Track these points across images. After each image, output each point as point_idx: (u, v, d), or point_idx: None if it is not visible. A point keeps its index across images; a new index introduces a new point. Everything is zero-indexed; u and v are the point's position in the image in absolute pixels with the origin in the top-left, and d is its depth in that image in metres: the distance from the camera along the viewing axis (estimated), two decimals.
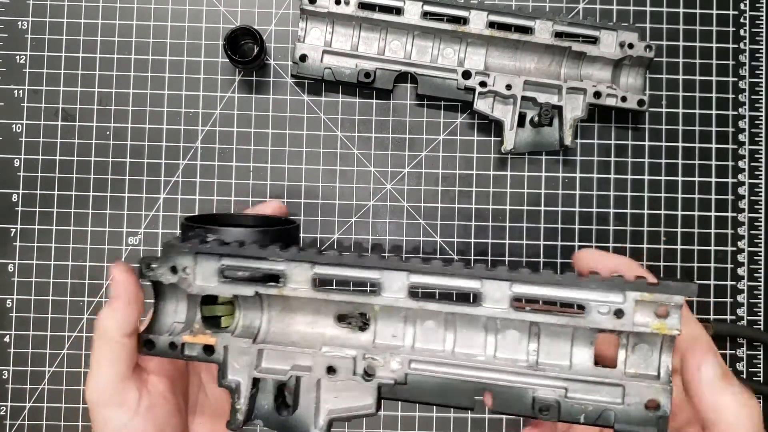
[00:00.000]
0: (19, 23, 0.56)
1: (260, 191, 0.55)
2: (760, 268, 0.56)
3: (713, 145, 0.56)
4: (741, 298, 0.55)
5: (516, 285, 0.35)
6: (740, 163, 0.56)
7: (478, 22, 0.53)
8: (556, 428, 0.38)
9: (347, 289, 0.38)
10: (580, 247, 0.55)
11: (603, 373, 0.35)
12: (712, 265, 0.56)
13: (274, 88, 0.56)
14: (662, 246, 0.55)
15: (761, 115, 0.56)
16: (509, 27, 0.53)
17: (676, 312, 0.34)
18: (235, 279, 0.37)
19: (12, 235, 0.55)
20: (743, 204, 0.56)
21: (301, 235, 0.55)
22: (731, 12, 0.57)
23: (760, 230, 0.56)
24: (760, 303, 0.55)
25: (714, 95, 0.56)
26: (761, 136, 0.56)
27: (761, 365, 0.55)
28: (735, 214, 0.56)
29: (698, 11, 0.57)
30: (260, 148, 0.56)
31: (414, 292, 0.36)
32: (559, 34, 0.53)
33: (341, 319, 0.38)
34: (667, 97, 0.56)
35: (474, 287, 0.35)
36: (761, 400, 0.55)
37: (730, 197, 0.56)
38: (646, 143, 0.56)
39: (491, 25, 0.53)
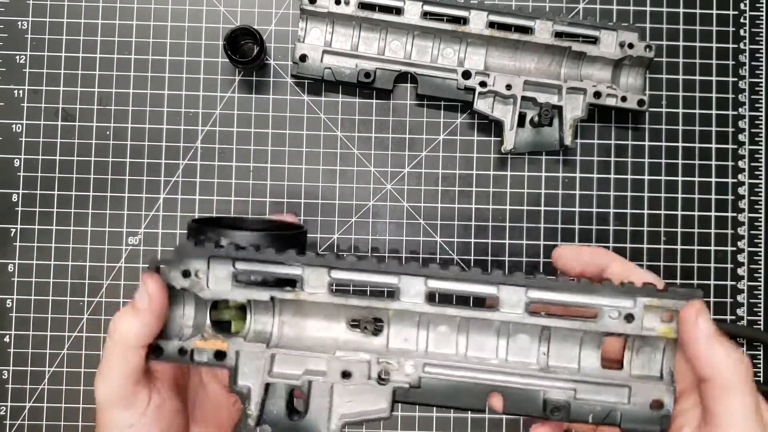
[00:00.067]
0: (19, 23, 0.56)
1: (260, 191, 0.55)
2: (760, 268, 0.56)
3: (713, 145, 0.56)
4: (741, 298, 0.55)
5: (532, 291, 0.36)
6: (740, 163, 0.56)
7: (478, 22, 0.53)
8: (561, 426, 0.39)
9: (365, 294, 0.38)
10: None
11: (610, 375, 0.36)
12: (712, 265, 0.56)
13: (274, 88, 0.56)
14: (662, 246, 0.55)
15: (761, 115, 0.56)
16: (509, 27, 0.53)
17: (677, 316, 0.35)
18: (250, 283, 0.37)
19: (12, 235, 0.55)
20: (743, 204, 0.56)
21: None
22: (731, 12, 0.57)
23: (760, 230, 0.56)
24: (760, 303, 0.55)
25: (714, 95, 0.56)
26: (761, 136, 0.56)
27: (761, 365, 0.55)
28: (735, 214, 0.56)
29: (698, 11, 0.57)
30: (260, 148, 0.56)
31: (431, 297, 0.37)
32: (559, 34, 0.53)
33: (353, 323, 0.38)
34: (667, 97, 0.56)
35: (491, 293, 0.36)
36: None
37: (730, 197, 0.56)
38: (646, 143, 0.56)
39: (491, 25, 0.53)
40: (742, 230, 0.56)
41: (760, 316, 0.55)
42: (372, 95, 0.56)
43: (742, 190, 0.56)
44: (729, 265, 0.56)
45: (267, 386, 0.37)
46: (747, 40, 0.57)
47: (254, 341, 0.37)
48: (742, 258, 0.56)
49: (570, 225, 0.56)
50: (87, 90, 0.56)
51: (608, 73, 0.54)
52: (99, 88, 0.56)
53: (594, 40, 0.53)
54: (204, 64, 0.56)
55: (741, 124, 0.56)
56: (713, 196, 0.56)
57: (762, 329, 0.55)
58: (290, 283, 0.37)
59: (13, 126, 0.55)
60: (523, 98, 0.53)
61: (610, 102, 0.53)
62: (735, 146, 0.56)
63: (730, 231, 0.56)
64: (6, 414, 0.54)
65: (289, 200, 0.55)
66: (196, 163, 0.55)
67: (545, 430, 0.38)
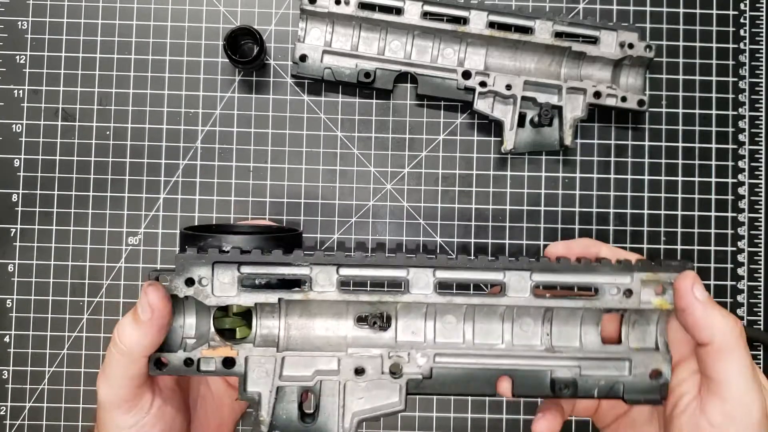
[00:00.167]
0: (19, 23, 0.56)
1: (260, 191, 0.55)
2: (760, 268, 0.56)
3: (713, 145, 0.56)
4: (741, 298, 0.55)
5: (536, 274, 0.37)
6: (740, 163, 0.56)
7: (478, 22, 0.53)
8: (564, 411, 0.40)
9: (374, 289, 0.38)
10: None
11: (611, 350, 0.38)
12: (712, 265, 0.56)
13: (274, 88, 0.56)
14: (662, 246, 0.55)
15: (761, 115, 0.56)
16: (509, 27, 0.53)
17: (671, 289, 0.37)
18: (256, 287, 0.37)
19: (12, 235, 0.55)
20: (743, 204, 0.56)
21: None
22: (731, 12, 0.57)
23: (760, 230, 0.56)
24: (760, 303, 0.55)
25: (714, 95, 0.56)
26: (761, 136, 0.56)
27: (761, 365, 0.55)
28: (735, 214, 0.56)
29: (698, 11, 0.57)
30: (260, 148, 0.56)
31: (439, 287, 0.37)
32: (559, 34, 0.53)
33: (360, 320, 0.38)
34: (667, 97, 0.56)
35: (498, 279, 0.37)
36: None
37: (730, 197, 0.56)
38: (646, 143, 0.56)
39: (491, 25, 0.53)
40: (742, 230, 0.56)
41: (760, 316, 0.55)
42: (372, 95, 0.56)
43: (742, 190, 0.56)
44: (729, 265, 0.56)
45: (277, 390, 0.37)
46: (747, 40, 0.57)
47: (261, 346, 0.37)
48: (742, 258, 0.56)
49: (570, 225, 0.56)
50: (87, 90, 0.56)
51: (608, 73, 0.54)
52: (99, 88, 0.56)
53: (594, 40, 0.53)
54: (204, 64, 0.56)
55: (741, 124, 0.56)
56: (713, 196, 0.56)
57: (762, 329, 0.55)
58: (294, 284, 0.37)
59: (13, 126, 0.55)
60: (523, 98, 0.53)
61: (610, 102, 0.53)
62: (735, 146, 0.56)
63: (730, 231, 0.56)
64: (6, 414, 0.54)
65: (289, 200, 0.55)
66: (196, 163, 0.55)
67: (546, 423, 0.38)
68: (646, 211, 0.56)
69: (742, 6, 0.57)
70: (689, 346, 0.37)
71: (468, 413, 0.54)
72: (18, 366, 0.54)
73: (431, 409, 0.54)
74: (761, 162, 0.56)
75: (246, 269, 0.36)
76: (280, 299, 0.36)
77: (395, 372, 0.37)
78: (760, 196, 0.56)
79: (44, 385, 0.54)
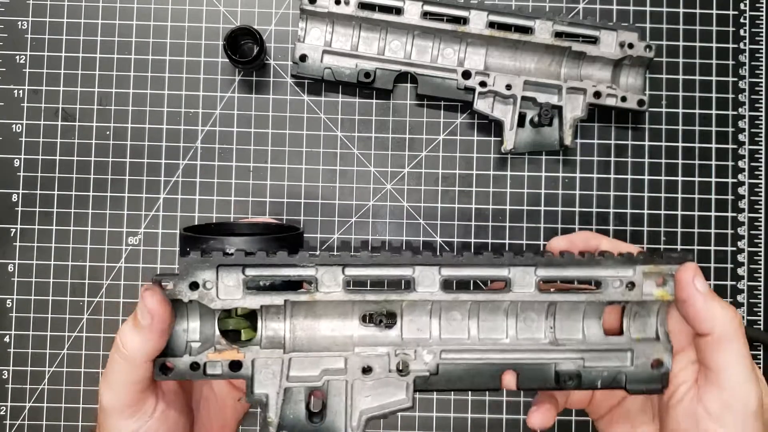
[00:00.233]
0: (19, 23, 0.56)
1: (260, 191, 0.55)
2: (760, 268, 0.56)
3: (713, 145, 0.56)
4: (741, 298, 0.55)
5: (541, 269, 0.37)
6: (740, 163, 0.56)
7: (478, 22, 0.53)
8: (558, 404, 0.40)
9: (380, 289, 0.38)
10: None
11: (613, 341, 0.38)
12: (712, 265, 0.56)
13: (274, 88, 0.56)
14: (662, 246, 0.55)
15: (761, 115, 0.56)
16: (509, 27, 0.53)
17: (671, 280, 0.37)
18: (260, 288, 0.36)
19: (12, 235, 0.55)
20: (743, 204, 0.56)
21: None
22: (731, 12, 0.57)
23: (760, 230, 0.56)
24: (760, 303, 0.55)
25: (714, 95, 0.56)
26: (761, 136, 0.56)
27: (761, 365, 0.55)
28: (735, 214, 0.56)
29: (698, 11, 0.57)
30: (260, 148, 0.56)
31: (445, 285, 0.37)
32: (559, 34, 0.53)
33: (365, 319, 0.38)
34: (667, 97, 0.56)
35: (503, 275, 0.37)
36: None
37: (730, 197, 0.56)
38: (646, 143, 0.56)
39: (491, 25, 0.53)
40: (742, 230, 0.56)
41: (760, 316, 0.55)
42: (372, 95, 0.56)
43: (742, 190, 0.56)
44: (729, 265, 0.56)
45: (285, 391, 0.36)
46: (747, 40, 0.57)
47: (268, 348, 0.37)
48: (742, 258, 0.56)
49: (570, 225, 0.56)
50: (87, 90, 0.56)
51: (608, 73, 0.54)
52: (99, 88, 0.56)
53: (594, 40, 0.53)
54: (204, 64, 0.56)
55: (741, 124, 0.56)
56: (713, 196, 0.56)
57: (762, 329, 0.55)
58: (298, 285, 0.37)
59: (13, 126, 0.55)
60: (523, 98, 0.53)
61: (610, 102, 0.53)
62: (735, 146, 0.56)
63: (730, 231, 0.56)
64: (6, 414, 0.54)
65: (289, 200, 0.55)
66: (196, 163, 0.55)
67: (542, 413, 0.39)
68: (646, 211, 0.56)
69: (742, 6, 0.57)
70: (687, 336, 0.38)
71: (468, 413, 0.54)
72: (18, 366, 0.54)
73: (431, 408, 0.54)
74: (761, 162, 0.56)
75: (251, 271, 0.36)
76: (285, 300, 0.36)
77: (402, 369, 0.37)
78: (760, 196, 0.56)
79: (44, 385, 0.54)
